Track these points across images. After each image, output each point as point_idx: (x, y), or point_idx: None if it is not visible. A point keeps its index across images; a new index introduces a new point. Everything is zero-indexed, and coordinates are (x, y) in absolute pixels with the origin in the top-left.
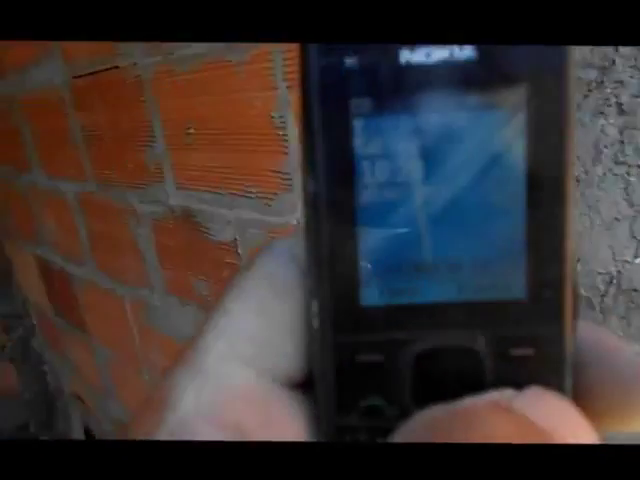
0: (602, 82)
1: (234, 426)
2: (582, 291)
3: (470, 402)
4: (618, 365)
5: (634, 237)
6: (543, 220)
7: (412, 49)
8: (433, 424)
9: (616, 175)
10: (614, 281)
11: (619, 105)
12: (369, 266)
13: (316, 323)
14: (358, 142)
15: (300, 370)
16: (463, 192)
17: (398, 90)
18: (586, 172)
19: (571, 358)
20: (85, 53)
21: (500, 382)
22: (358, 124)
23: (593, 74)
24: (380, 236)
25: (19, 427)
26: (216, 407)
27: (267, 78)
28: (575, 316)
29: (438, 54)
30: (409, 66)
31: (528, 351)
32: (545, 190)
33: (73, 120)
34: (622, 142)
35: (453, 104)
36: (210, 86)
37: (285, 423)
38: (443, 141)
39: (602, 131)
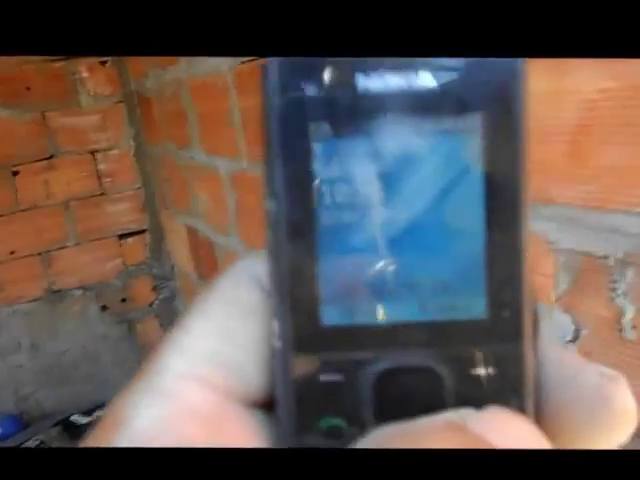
0: None
1: (189, 444)
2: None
3: (425, 421)
4: (582, 386)
5: None
6: (501, 242)
7: (368, 75)
8: (387, 443)
9: None
10: None
11: None
12: (329, 286)
13: (277, 343)
14: (317, 165)
15: (261, 390)
16: (422, 214)
17: (356, 115)
18: None
19: (532, 377)
20: None
21: (460, 402)
22: (317, 148)
23: None
24: (340, 257)
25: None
26: (171, 424)
27: None
28: (534, 335)
29: (394, 80)
30: (366, 92)
31: (488, 370)
32: (502, 213)
33: (234, 103)
34: None
35: (410, 129)
36: None
37: (242, 443)
38: (401, 165)
39: None
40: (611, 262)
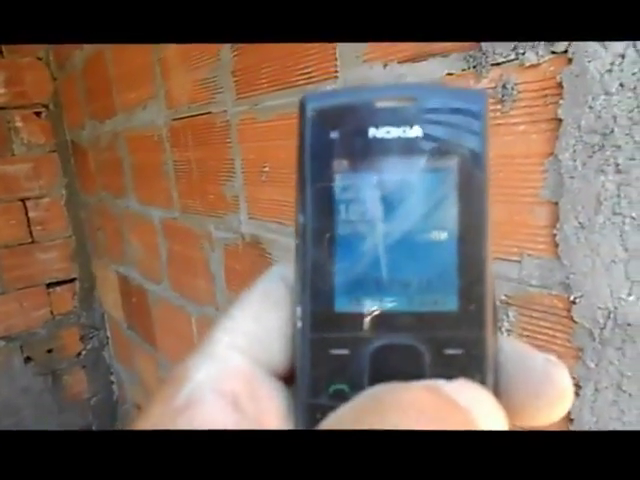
0: (603, 146)
1: (231, 396)
2: (584, 323)
3: (408, 384)
4: (531, 368)
5: (628, 278)
6: (470, 253)
7: (376, 126)
8: (378, 395)
9: (614, 224)
10: (611, 316)
11: (617, 165)
12: (340, 281)
13: (299, 324)
14: (337, 190)
15: (284, 363)
16: (412, 230)
17: (366, 155)
18: (589, 220)
19: (492, 358)
20: (185, 100)
21: (436, 374)
22: (338, 177)
23: (596, 139)
24: (350, 259)
25: (81, 429)
26: (220, 381)
27: None
28: (495, 324)
29: (394, 131)
30: (374, 138)
31: (458, 351)
32: (471, 230)
33: (167, 155)
34: (619, 196)
35: (404, 166)
36: (286, 133)
37: (268, 399)
38: (397, 192)
39: (602, 186)
40: (497, 304)
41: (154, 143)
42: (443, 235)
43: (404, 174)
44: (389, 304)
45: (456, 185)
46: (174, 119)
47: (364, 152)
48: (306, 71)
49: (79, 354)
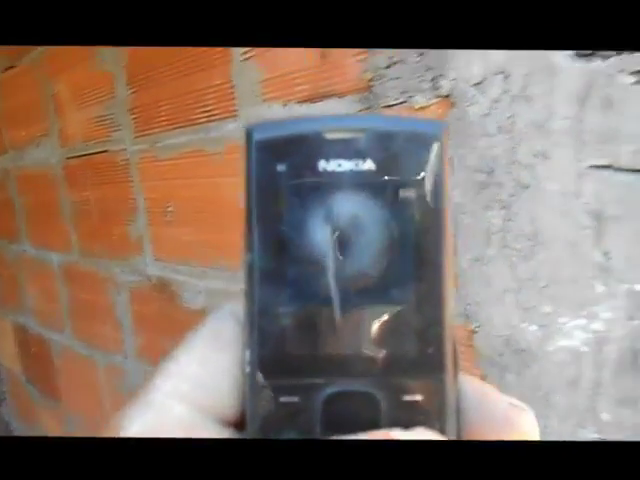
0: (488, 184)
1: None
2: (485, 351)
3: (363, 436)
4: (493, 411)
5: (519, 306)
6: (427, 295)
7: (327, 160)
8: None
9: (503, 256)
10: (507, 343)
11: (500, 201)
12: (290, 324)
13: (248, 369)
14: (285, 229)
15: (233, 409)
16: (366, 269)
17: (316, 190)
18: (481, 253)
19: (453, 403)
20: (80, 138)
21: (393, 422)
22: (286, 213)
23: (482, 177)
24: (299, 300)
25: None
26: (155, 432)
27: (237, 166)
28: (455, 369)
29: (345, 164)
30: (325, 172)
31: (416, 397)
32: (428, 270)
33: (63, 196)
34: (504, 230)
35: (357, 202)
36: (188, 171)
37: None
38: (349, 230)
39: (490, 222)
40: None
41: (49, 182)
42: (399, 274)
43: (357, 210)
44: (342, 348)
45: (412, 221)
46: (69, 157)
47: (314, 186)
48: (206, 109)
49: None
